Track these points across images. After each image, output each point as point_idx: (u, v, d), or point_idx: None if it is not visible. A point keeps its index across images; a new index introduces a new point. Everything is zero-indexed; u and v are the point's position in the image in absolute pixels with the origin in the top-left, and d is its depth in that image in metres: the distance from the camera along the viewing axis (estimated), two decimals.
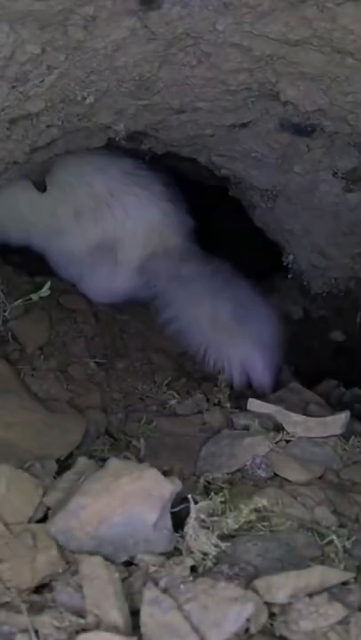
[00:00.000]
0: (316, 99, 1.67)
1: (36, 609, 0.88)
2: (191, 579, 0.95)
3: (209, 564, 1.01)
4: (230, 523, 1.11)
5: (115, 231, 2.21)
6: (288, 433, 1.52)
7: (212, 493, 1.21)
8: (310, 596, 0.91)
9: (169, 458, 1.49)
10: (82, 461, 1.23)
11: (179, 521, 1.07)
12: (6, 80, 1.40)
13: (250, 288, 2.22)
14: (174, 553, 1.03)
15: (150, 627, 0.85)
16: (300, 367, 2.50)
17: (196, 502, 1.08)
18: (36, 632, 0.83)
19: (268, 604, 0.91)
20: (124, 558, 1.01)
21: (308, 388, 1.93)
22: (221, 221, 3.28)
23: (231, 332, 2.07)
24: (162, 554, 1.02)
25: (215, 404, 1.74)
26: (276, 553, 1.06)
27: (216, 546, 1.04)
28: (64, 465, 1.33)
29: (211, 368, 2.06)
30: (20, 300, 1.79)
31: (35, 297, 1.74)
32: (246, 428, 1.55)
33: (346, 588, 0.97)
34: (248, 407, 1.64)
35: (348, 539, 1.12)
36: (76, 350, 1.91)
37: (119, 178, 2.22)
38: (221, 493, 1.21)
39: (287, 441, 1.50)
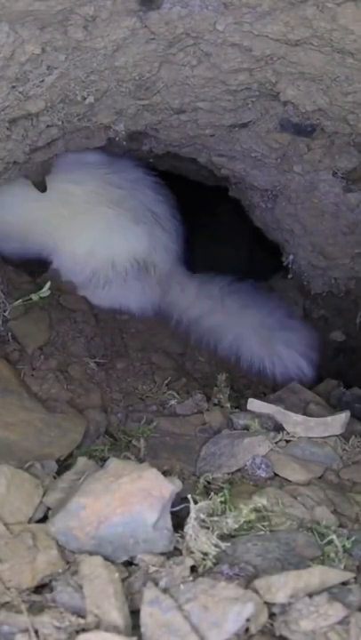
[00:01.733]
0: (316, 99, 1.67)
1: (36, 609, 0.88)
2: (191, 579, 0.95)
3: (209, 564, 1.01)
4: (230, 523, 1.11)
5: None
6: (288, 433, 1.52)
7: (212, 493, 1.21)
8: (310, 595, 0.91)
9: (169, 458, 1.49)
10: (82, 461, 1.23)
11: (179, 521, 1.07)
12: (6, 80, 1.40)
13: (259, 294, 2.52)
14: (174, 553, 1.03)
15: (150, 627, 0.85)
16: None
17: (196, 502, 1.08)
18: (36, 632, 0.83)
19: (268, 604, 0.91)
20: (124, 558, 1.01)
21: (308, 388, 1.94)
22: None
23: (275, 338, 2.33)
24: (162, 554, 1.02)
25: (215, 404, 1.74)
26: (276, 553, 1.06)
27: (216, 546, 1.04)
28: (64, 465, 1.33)
29: (260, 373, 2.31)
30: (19, 300, 1.79)
31: (35, 297, 1.74)
32: (246, 428, 1.55)
33: (346, 587, 0.97)
34: (248, 407, 1.64)
35: (348, 539, 1.12)
36: (76, 350, 1.91)
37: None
38: (221, 493, 1.21)
39: (287, 441, 1.50)
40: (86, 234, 2.20)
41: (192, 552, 1.02)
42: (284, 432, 1.52)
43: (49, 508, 1.11)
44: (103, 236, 2.21)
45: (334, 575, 0.97)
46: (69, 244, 2.21)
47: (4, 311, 1.82)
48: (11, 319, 1.83)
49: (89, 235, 2.21)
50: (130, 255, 2.26)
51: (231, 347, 2.33)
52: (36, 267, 2.32)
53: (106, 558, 0.96)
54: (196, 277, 2.48)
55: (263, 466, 1.39)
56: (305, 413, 1.62)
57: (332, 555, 1.08)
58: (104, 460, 1.28)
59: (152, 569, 0.98)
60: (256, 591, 0.92)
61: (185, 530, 1.05)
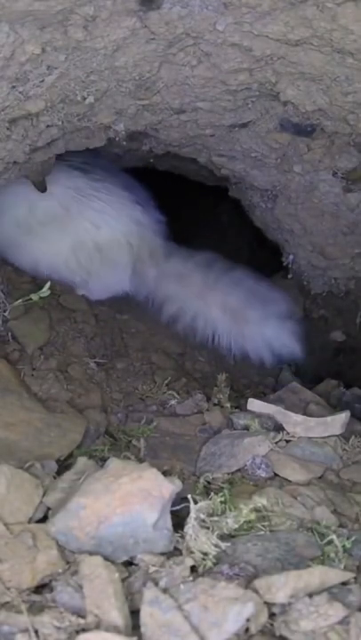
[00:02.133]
0: (317, 99, 1.67)
1: (36, 609, 0.88)
2: (191, 579, 0.95)
3: (209, 563, 1.01)
4: (230, 523, 1.11)
5: (91, 238, 2.26)
6: (288, 433, 1.52)
7: (212, 493, 1.21)
8: (310, 595, 0.91)
9: (169, 458, 1.49)
10: (82, 461, 1.23)
11: (179, 521, 1.07)
12: (6, 80, 1.40)
13: (247, 273, 2.29)
14: (174, 553, 1.03)
15: (150, 627, 0.85)
16: (300, 367, 2.50)
17: (196, 502, 1.08)
18: (36, 632, 0.83)
19: (268, 604, 0.91)
20: (124, 558, 1.01)
21: (308, 388, 1.94)
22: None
23: (246, 314, 2.15)
24: (162, 554, 1.02)
25: (215, 404, 1.74)
26: (276, 553, 1.06)
27: (216, 546, 1.04)
28: (64, 465, 1.33)
29: (231, 354, 2.16)
30: (19, 300, 1.79)
31: (35, 297, 1.74)
32: (246, 428, 1.55)
33: (346, 588, 0.97)
34: (248, 407, 1.64)
35: (348, 539, 1.12)
36: (76, 350, 1.91)
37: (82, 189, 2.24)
38: (221, 493, 1.21)
39: (287, 441, 1.50)
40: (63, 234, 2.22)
41: (192, 552, 1.02)
42: (284, 432, 1.52)
43: (49, 508, 1.11)
44: (80, 229, 2.22)
45: (334, 575, 0.97)
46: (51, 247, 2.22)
47: (4, 311, 1.82)
48: (11, 319, 1.83)
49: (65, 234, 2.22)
50: (112, 240, 2.25)
51: (205, 330, 2.19)
52: None
53: (106, 558, 0.96)
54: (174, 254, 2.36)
55: (263, 466, 1.39)
56: (305, 413, 1.62)
57: (332, 555, 1.08)
58: (104, 459, 1.28)
59: (152, 569, 0.98)
60: (256, 591, 0.92)
61: (185, 530, 1.05)
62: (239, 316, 2.17)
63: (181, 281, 2.26)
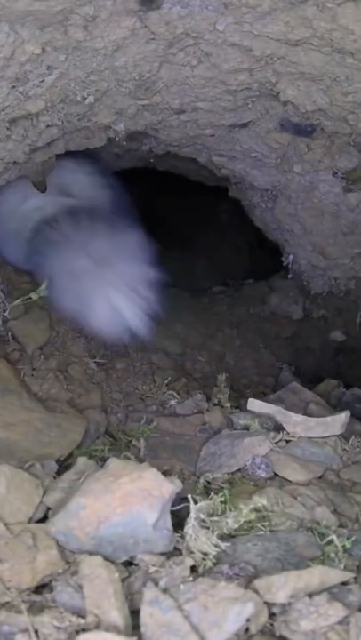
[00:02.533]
0: (317, 99, 1.67)
1: (36, 609, 0.88)
2: (191, 579, 0.95)
3: (209, 563, 1.01)
4: (230, 523, 1.11)
5: None
6: (288, 433, 1.52)
7: (212, 493, 1.21)
8: (310, 595, 0.91)
9: (169, 458, 1.49)
10: (82, 461, 1.23)
11: (179, 521, 1.07)
12: (6, 80, 1.40)
13: (134, 237, 2.05)
14: (174, 553, 1.03)
15: (150, 627, 0.85)
16: (300, 367, 2.50)
17: (196, 502, 1.08)
18: (36, 632, 0.83)
19: (268, 604, 0.91)
20: (124, 558, 1.01)
21: (308, 388, 1.93)
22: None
23: (91, 279, 1.90)
24: (162, 554, 1.02)
25: (215, 404, 1.74)
26: (276, 553, 1.06)
27: (216, 546, 1.04)
28: (64, 465, 1.33)
29: (83, 323, 1.90)
30: (19, 300, 1.79)
31: (34, 296, 1.74)
32: (246, 428, 1.55)
33: (346, 588, 0.97)
34: (248, 407, 1.63)
35: (348, 539, 1.12)
36: (76, 350, 1.90)
37: None
38: (221, 493, 1.20)
39: (287, 441, 1.50)
40: None
41: (192, 552, 1.02)
42: (284, 432, 1.52)
43: (49, 508, 1.11)
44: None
45: (334, 575, 0.97)
46: None
47: (4, 311, 1.82)
48: (11, 319, 1.82)
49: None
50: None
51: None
52: None
53: (106, 558, 0.96)
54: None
55: (263, 466, 1.39)
56: (305, 413, 1.62)
57: (332, 555, 1.08)
58: (104, 459, 1.28)
59: (152, 569, 0.98)
60: (256, 591, 0.92)
61: (185, 530, 1.05)
62: (82, 278, 1.92)
63: (54, 247, 2.07)
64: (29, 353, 1.79)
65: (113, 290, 1.88)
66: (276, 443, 1.47)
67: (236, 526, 1.11)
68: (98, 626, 0.85)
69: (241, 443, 1.44)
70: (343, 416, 1.57)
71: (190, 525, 1.05)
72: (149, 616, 0.86)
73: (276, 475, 1.40)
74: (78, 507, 1.01)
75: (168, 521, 1.03)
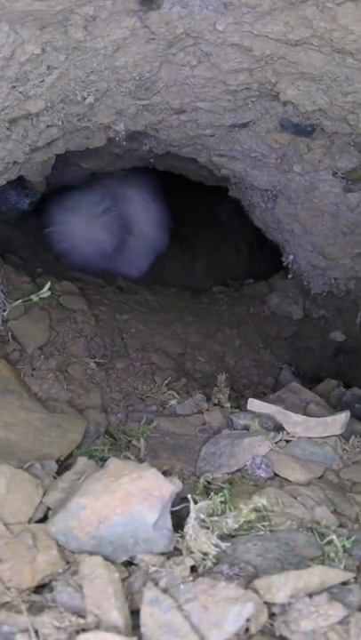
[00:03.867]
0: (316, 99, 1.67)
1: (36, 609, 0.88)
2: (191, 579, 0.95)
3: (209, 564, 1.01)
4: (230, 523, 1.10)
5: None
6: (288, 433, 1.52)
7: (212, 493, 1.21)
8: (310, 596, 0.91)
9: (169, 458, 1.49)
10: (82, 461, 1.23)
11: (179, 521, 1.07)
12: (6, 80, 1.40)
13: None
14: (174, 553, 1.03)
15: (150, 627, 0.85)
16: (300, 367, 2.50)
17: (196, 502, 1.08)
18: (36, 632, 0.83)
19: (268, 604, 0.91)
20: (124, 558, 1.01)
21: (308, 388, 1.93)
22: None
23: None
24: (162, 554, 1.02)
25: (215, 404, 1.74)
26: (276, 553, 1.06)
27: (216, 546, 1.04)
28: (64, 465, 1.33)
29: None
30: (19, 300, 1.79)
31: (35, 298, 1.74)
32: (246, 428, 1.55)
33: (346, 588, 0.97)
34: (248, 407, 1.64)
35: (348, 539, 1.12)
36: (76, 350, 1.90)
37: None
38: (221, 493, 1.20)
39: (287, 441, 1.50)
40: None
41: (192, 552, 1.02)
42: (284, 432, 1.52)
43: (49, 508, 1.11)
44: None
45: (334, 575, 0.97)
46: None
47: (4, 311, 1.82)
48: (11, 319, 1.82)
49: None
50: None
51: None
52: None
53: (106, 558, 0.96)
54: None
55: (263, 466, 1.39)
56: (305, 413, 1.62)
57: (332, 555, 1.08)
58: (104, 460, 1.28)
59: (152, 569, 0.98)
60: (256, 591, 0.92)
61: (185, 530, 1.05)
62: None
63: None
64: (29, 353, 1.79)
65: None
66: (276, 443, 1.47)
67: (236, 526, 1.11)
68: (98, 626, 0.85)
69: (241, 443, 1.44)
70: (343, 416, 1.57)
71: (190, 525, 1.05)
72: (149, 616, 0.86)
73: (276, 475, 1.40)
74: (78, 507, 1.01)
75: (168, 521, 1.03)
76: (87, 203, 2.67)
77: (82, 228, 2.66)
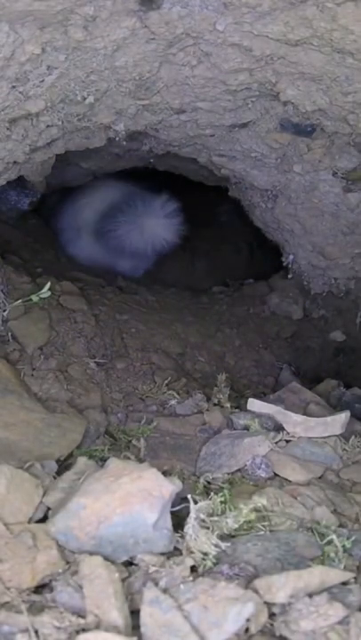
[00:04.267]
0: (316, 99, 1.67)
1: (36, 609, 0.88)
2: (191, 579, 0.95)
3: (209, 564, 1.01)
4: (230, 523, 1.10)
5: None
6: (288, 433, 1.52)
7: (212, 493, 1.21)
8: (310, 596, 0.91)
9: (169, 458, 1.49)
10: (82, 461, 1.23)
11: (179, 521, 1.07)
12: (6, 80, 1.40)
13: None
14: (174, 553, 1.03)
15: (150, 627, 0.85)
16: (300, 367, 2.50)
17: (196, 502, 1.08)
18: (36, 632, 0.83)
19: (268, 604, 0.91)
20: (124, 558, 1.01)
21: (308, 388, 1.93)
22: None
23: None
24: (162, 554, 1.02)
25: (215, 404, 1.74)
26: (276, 553, 1.06)
27: (216, 546, 1.04)
28: (64, 465, 1.33)
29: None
30: (19, 300, 1.79)
31: (35, 298, 1.74)
32: (246, 428, 1.55)
33: (346, 588, 0.97)
34: (248, 407, 1.63)
35: (348, 539, 1.12)
36: (76, 350, 1.90)
37: None
38: (221, 493, 1.20)
39: (287, 441, 1.50)
40: None
41: (192, 552, 1.02)
42: (284, 432, 1.52)
43: (49, 508, 1.11)
44: None
45: (334, 575, 0.97)
46: None
47: (4, 311, 1.82)
48: (11, 319, 1.82)
49: None
50: None
51: None
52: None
53: (106, 558, 0.96)
54: None
55: (263, 466, 1.39)
56: (305, 413, 1.62)
57: (332, 555, 1.08)
58: (104, 459, 1.28)
59: (152, 569, 0.98)
60: (256, 591, 0.92)
61: (185, 530, 1.05)
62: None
63: None
64: (29, 353, 1.79)
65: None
66: (276, 443, 1.47)
67: (236, 526, 1.11)
68: (98, 626, 0.85)
69: (241, 443, 1.44)
70: (343, 416, 1.57)
71: (190, 525, 1.05)
72: (149, 616, 0.86)
73: (276, 475, 1.40)
74: (78, 507, 1.01)
75: (168, 521, 1.03)
76: (156, 203, 2.76)
77: (149, 225, 2.77)
